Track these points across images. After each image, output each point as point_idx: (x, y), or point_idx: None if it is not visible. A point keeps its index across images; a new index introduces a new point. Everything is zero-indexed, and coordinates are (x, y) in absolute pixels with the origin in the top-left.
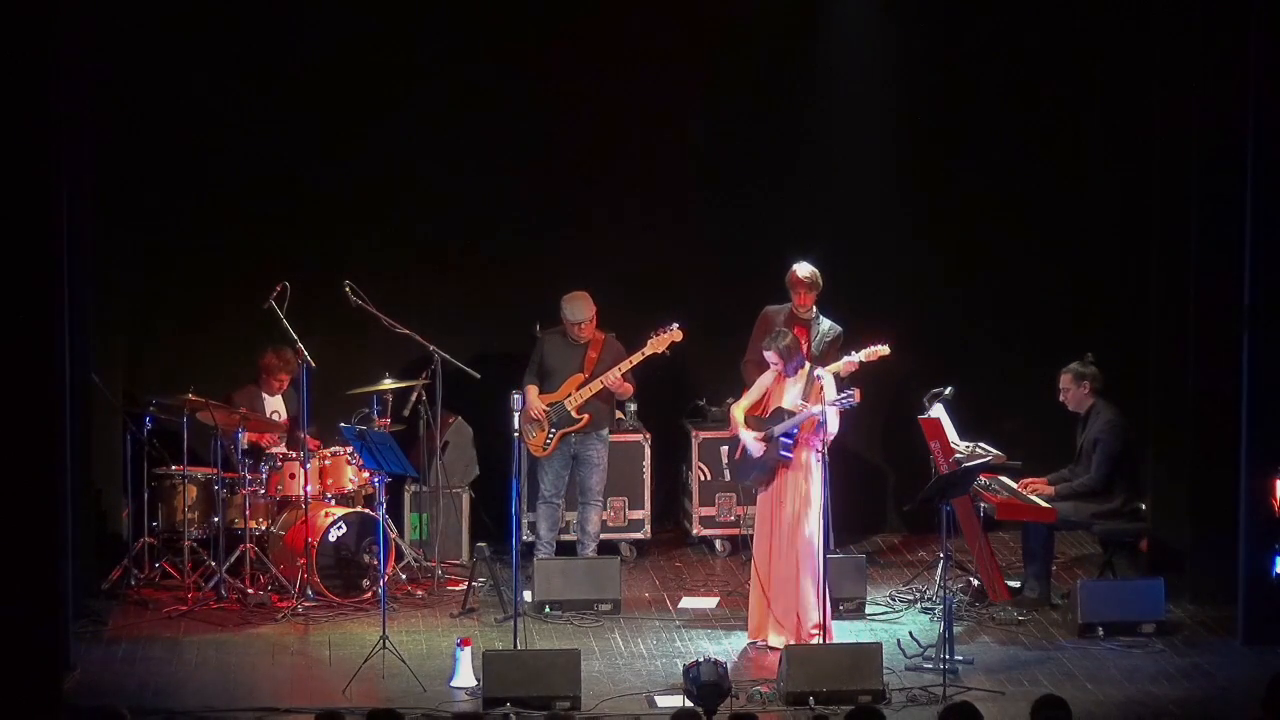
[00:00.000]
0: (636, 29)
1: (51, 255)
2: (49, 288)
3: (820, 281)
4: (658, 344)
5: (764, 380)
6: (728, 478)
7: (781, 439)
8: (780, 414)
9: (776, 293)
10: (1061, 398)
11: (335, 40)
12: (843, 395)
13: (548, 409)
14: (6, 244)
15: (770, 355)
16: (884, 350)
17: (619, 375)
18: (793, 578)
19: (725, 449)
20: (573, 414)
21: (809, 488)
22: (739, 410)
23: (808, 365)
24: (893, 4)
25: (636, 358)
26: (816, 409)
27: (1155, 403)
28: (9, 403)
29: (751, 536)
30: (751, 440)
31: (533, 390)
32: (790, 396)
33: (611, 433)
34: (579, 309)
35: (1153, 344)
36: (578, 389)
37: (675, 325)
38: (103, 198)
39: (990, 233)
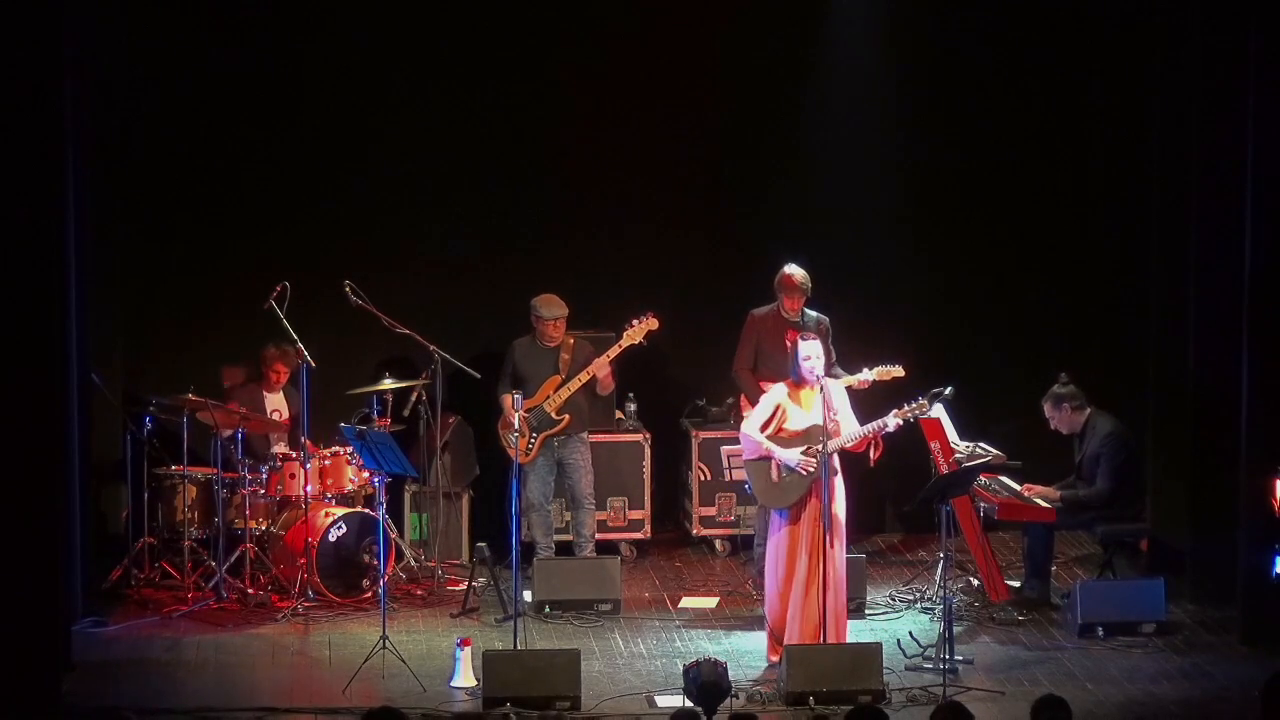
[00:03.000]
0: (631, 34)
1: (54, 255)
2: (51, 288)
3: (810, 285)
4: (634, 334)
5: (774, 397)
6: (728, 478)
7: (834, 454)
8: (816, 431)
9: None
10: (1052, 426)
11: (335, 41)
12: (914, 405)
13: (527, 414)
14: (9, 244)
15: (817, 346)
16: (898, 371)
17: (606, 362)
18: (840, 584)
19: (725, 450)
20: (552, 415)
21: (837, 494)
22: (755, 430)
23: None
24: (890, 8)
25: (614, 351)
26: (891, 421)
27: (1155, 403)
28: (11, 403)
29: (754, 539)
30: (799, 458)
31: (517, 396)
32: (815, 410)
33: (600, 432)
34: (553, 306)
35: (1153, 344)
36: (555, 390)
37: (650, 314)
38: (103, 198)
39: (990, 232)
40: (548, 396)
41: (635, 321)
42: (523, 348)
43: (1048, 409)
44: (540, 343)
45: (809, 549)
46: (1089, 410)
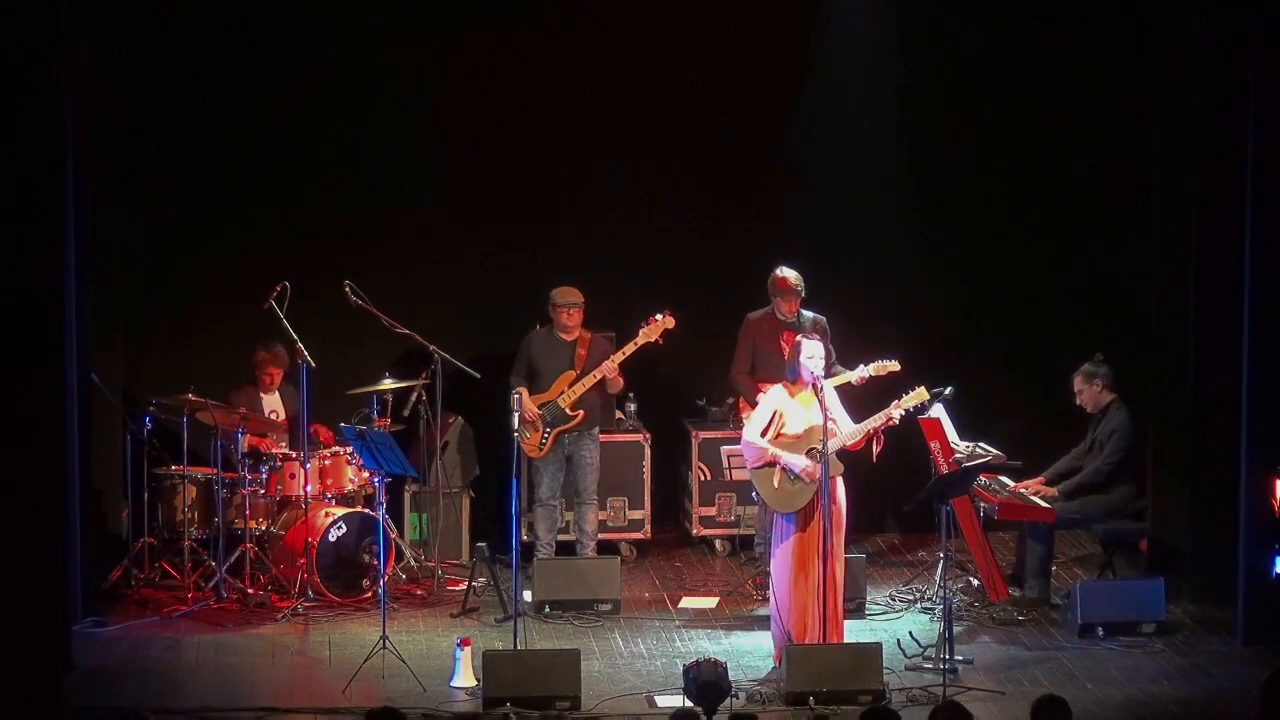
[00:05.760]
0: (633, 30)
1: (54, 255)
2: (51, 288)
3: (803, 285)
4: (650, 332)
5: (773, 401)
6: (728, 478)
7: (834, 455)
8: (816, 431)
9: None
10: (1078, 400)
11: (335, 39)
12: (913, 393)
13: (541, 409)
14: (9, 244)
15: (819, 346)
16: (894, 366)
17: (615, 365)
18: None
19: (725, 450)
20: (567, 411)
21: (839, 493)
22: (756, 436)
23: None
24: (892, 5)
25: (630, 348)
26: (895, 414)
27: (1155, 403)
28: (11, 403)
29: (754, 539)
30: (804, 462)
31: (523, 392)
32: (814, 409)
33: (601, 432)
34: (568, 294)
35: (1153, 344)
36: (570, 385)
37: (666, 312)
38: (103, 197)
39: (990, 233)
40: (562, 392)
41: (651, 320)
42: (539, 340)
43: (1077, 382)
44: (557, 334)
45: (821, 553)
46: (1114, 395)
